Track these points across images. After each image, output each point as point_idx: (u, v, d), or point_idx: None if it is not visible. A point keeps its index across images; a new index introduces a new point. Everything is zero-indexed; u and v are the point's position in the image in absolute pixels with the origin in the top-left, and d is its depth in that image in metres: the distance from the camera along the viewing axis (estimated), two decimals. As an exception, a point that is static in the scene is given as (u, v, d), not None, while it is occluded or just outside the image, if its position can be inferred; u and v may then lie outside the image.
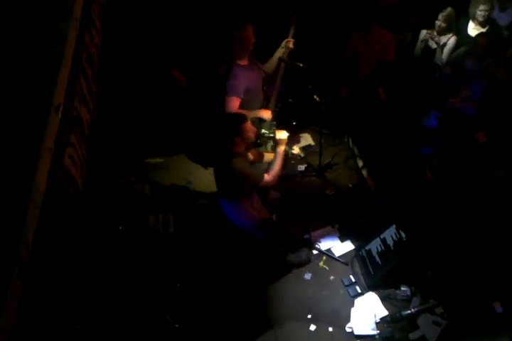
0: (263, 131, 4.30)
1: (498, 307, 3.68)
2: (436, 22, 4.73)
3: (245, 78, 4.06)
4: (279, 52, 4.33)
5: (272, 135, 4.14)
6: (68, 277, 2.85)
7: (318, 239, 4.40)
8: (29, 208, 2.16)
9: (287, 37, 4.31)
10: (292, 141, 5.13)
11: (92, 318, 3.26)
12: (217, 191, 3.93)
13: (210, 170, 4.15)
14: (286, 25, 4.36)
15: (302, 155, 5.16)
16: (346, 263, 4.22)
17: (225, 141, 3.47)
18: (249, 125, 3.52)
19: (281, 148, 3.76)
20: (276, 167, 3.69)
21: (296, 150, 4.62)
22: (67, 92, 2.85)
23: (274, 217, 4.43)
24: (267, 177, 3.62)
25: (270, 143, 4.31)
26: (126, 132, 4.66)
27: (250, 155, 3.93)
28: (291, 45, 4.27)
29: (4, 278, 1.93)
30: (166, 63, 4.55)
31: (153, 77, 4.54)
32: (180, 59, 4.60)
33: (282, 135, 3.75)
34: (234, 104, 4.02)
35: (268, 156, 4.20)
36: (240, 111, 4.02)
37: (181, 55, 4.58)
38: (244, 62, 4.09)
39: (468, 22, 4.80)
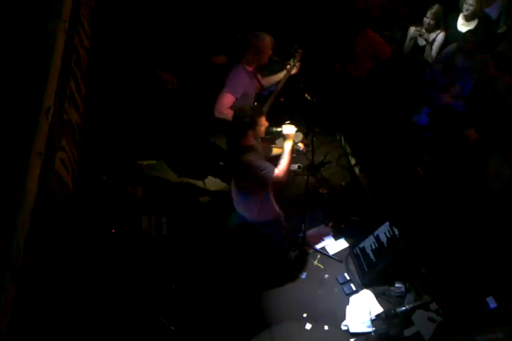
0: None
1: (492, 302, 3.71)
2: (425, 19, 4.73)
3: (246, 82, 4.04)
4: (281, 74, 4.29)
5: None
6: (62, 281, 2.84)
7: (312, 238, 4.41)
8: (20, 213, 2.16)
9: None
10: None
11: (87, 321, 3.25)
12: (233, 186, 3.86)
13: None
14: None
15: (305, 151, 5.07)
16: (341, 261, 4.24)
17: (237, 133, 3.42)
18: (264, 119, 3.48)
19: (289, 143, 3.63)
20: (285, 161, 3.56)
21: (301, 146, 4.52)
22: (56, 95, 2.84)
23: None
24: (277, 171, 3.51)
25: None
26: (117, 134, 4.63)
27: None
28: (295, 71, 4.24)
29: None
30: (154, 65, 4.54)
31: (142, 78, 4.52)
32: (170, 60, 4.58)
33: (289, 129, 3.61)
34: (227, 100, 3.95)
35: (276, 150, 4.15)
36: (230, 110, 3.97)
37: (171, 57, 4.57)
38: (250, 68, 4.07)
39: (457, 18, 4.82)
